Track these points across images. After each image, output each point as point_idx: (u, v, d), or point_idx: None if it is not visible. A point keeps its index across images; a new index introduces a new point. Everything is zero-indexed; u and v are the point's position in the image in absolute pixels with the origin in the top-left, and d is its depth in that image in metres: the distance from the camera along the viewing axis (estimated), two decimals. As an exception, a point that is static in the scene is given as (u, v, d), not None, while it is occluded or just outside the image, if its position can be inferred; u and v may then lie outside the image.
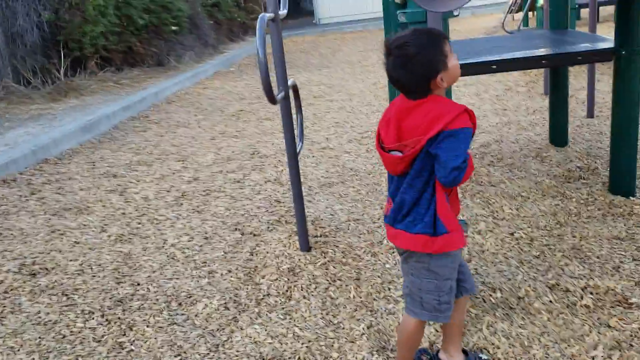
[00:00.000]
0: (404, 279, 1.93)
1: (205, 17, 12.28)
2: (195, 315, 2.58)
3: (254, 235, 3.36)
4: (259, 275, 2.85)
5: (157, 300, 2.71)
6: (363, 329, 2.33)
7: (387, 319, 2.37)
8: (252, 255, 3.08)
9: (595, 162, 3.78)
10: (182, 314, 2.59)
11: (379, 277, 2.69)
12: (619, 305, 2.25)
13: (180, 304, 2.68)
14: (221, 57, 11.21)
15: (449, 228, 1.73)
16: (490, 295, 2.41)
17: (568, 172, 3.66)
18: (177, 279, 2.90)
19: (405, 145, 1.71)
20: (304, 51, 11.70)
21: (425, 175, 1.72)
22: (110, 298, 2.75)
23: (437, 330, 2.24)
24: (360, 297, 2.55)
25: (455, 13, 1.99)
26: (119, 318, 2.59)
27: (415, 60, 1.65)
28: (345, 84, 7.77)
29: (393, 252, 2.89)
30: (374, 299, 2.52)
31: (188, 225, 3.55)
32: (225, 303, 2.65)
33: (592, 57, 3.04)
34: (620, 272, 2.49)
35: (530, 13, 9.17)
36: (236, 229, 3.48)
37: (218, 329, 2.46)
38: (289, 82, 2.74)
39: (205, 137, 5.71)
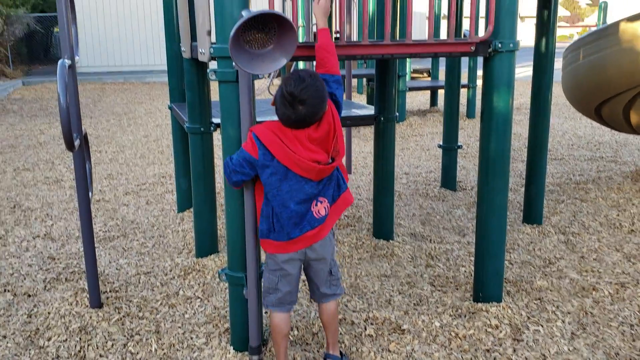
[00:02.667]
0: (320, 279, 2.26)
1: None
2: (-32, 390, 2.24)
3: (29, 295, 3.05)
4: (43, 337, 2.60)
5: None
6: (170, 380, 2.30)
7: (194, 367, 2.37)
8: (30, 317, 2.79)
9: (359, 212, 4.33)
10: (-50, 391, 2.23)
11: (179, 327, 2.67)
12: (394, 332, 2.63)
13: (-55, 380, 2.30)
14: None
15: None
16: (290, 333, 2.59)
17: (339, 221, 4.12)
18: (-64, 351, 2.48)
19: (334, 151, 2.09)
20: (61, 99, 10.93)
21: None
22: None
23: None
24: (163, 349, 2.51)
25: (261, 76, 2.20)
26: None
27: (324, 102, 2.03)
28: (114, 135, 7.50)
29: (191, 302, 2.91)
30: (177, 350, 2.50)
31: (-58, 290, 3.06)
32: (4, 372, 2.36)
33: (359, 121, 3.56)
34: (391, 304, 2.91)
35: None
36: (6, 290, 3.11)
37: (0, 402, 2.18)
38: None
39: (-51, 188, 4.97)
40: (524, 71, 14.11)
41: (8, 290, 3.10)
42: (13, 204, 4.64)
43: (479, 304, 2.82)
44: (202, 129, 3.21)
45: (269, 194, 2.10)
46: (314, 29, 2.42)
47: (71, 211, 4.48)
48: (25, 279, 3.25)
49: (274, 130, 2.05)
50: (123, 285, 3.11)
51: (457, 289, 3.05)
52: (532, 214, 4.04)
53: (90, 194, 2.79)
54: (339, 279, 2.32)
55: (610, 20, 7.15)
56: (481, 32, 2.60)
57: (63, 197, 4.86)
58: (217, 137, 3.74)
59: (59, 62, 2.27)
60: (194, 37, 2.95)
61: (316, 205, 2.11)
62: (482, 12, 4.39)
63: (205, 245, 3.43)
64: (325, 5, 2.24)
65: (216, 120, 3.26)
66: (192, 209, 3.88)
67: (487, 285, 2.82)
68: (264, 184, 2.10)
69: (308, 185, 2.08)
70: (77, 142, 2.50)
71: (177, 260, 3.44)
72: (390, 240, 3.74)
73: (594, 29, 4.84)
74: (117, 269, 3.37)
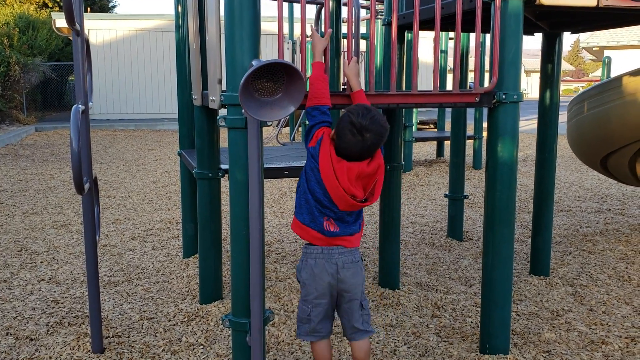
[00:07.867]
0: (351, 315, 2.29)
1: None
2: None
3: (31, 339, 3.03)
4: (43, 382, 2.57)
5: None
6: None
7: (194, 416, 2.33)
8: (31, 361, 2.77)
9: (365, 260, 4.31)
10: None
11: (181, 374, 2.64)
12: (399, 383, 2.58)
13: None
14: (-28, 144, 10.04)
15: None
16: (293, 382, 2.55)
17: (344, 269, 4.10)
18: None
19: (370, 192, 2.18)
20: (72, 145, 11.12)
21: None
22: None
23: None
24: (164, 397, 2.47)
25: (269, 123, 2.25)
26: None
27: (387, 133, 2.11)
28: (123, 181, 7.57)
29: (194, 349, 2.88)
30: (178, 397, 2.47)
31: (-56, 332, 3.04)
32: (2, 418, 2.32)
33: (365, 169, 3.61)
34: (397, 354, 2.86)
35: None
36: (8, 333, 3.09)
37: None
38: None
39: (-43, 231, 5.00)
40: (530, 123, 14.27)
41: (10, 334, 3.08)
42: (20, 247, 4.66)
43: (486, 356, 2.77)
44: (210, 174, 3.25)
45: (307, 173, 2.22)
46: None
47: (77, 255, 4.49)
48: (28, 322, 3.24)
49: (331, 151, 2.13)
50: (126, 331, 3.09)
51: (464, 340, 3.01)
52: (539, 265, 4.01)
53: (97, 237, 2.80)
54: (369, 315, 2.35)
55: (614, 74, 7.28)
56: (485, 84, 2.65)
57: (70, 241, 4.87)
58: (224, 183, 3.78)
59: (73, 107, 2.33)
60: (205, 85, 3.03)
61: (328, 219, 2.20)
62: (487, 66, 4.50)
63: (210, 291, 3.41)
64: (356, 67, 2.40)
65: (224, 166, 3.31)
66: (197, 255, 3.89)
67: (493, 336, 2.78)
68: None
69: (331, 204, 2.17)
70: (86, 186, 2.54)
71: (181, 306, 3.41)
72: (396, 290, 3.70)
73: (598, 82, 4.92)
74: (120, 314, 3.35)
